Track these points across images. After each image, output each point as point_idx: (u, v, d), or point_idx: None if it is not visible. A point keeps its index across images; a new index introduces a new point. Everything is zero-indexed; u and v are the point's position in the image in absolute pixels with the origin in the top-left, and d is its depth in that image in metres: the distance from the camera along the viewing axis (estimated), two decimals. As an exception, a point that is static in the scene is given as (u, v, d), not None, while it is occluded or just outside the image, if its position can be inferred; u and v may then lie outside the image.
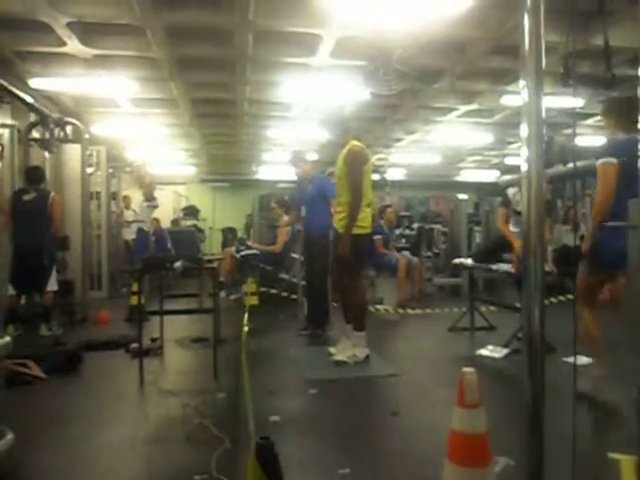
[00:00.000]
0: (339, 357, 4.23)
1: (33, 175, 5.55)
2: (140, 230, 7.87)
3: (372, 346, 4.70)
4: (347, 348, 4.31)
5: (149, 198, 7.38)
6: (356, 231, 4.22)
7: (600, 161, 3.17)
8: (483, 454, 1.80)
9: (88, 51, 5.64)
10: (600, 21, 3.39)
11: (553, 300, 6.36)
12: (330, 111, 4.82)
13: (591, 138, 9.51)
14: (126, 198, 10.09)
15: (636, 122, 2.85)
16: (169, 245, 4.55)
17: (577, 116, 8.00)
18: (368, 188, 4.31)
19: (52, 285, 5.51)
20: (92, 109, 8.11)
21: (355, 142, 4.31)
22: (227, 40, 5.52)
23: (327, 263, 5.02)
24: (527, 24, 1.56)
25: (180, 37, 5.48)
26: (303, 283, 6.18)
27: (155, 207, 7.60)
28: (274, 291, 7.33)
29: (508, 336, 4.49)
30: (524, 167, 1.61)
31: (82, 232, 6.69)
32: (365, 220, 4.29)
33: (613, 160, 3.11)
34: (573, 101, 5.37)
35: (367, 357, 4.26)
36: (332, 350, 4.47)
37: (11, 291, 5.34)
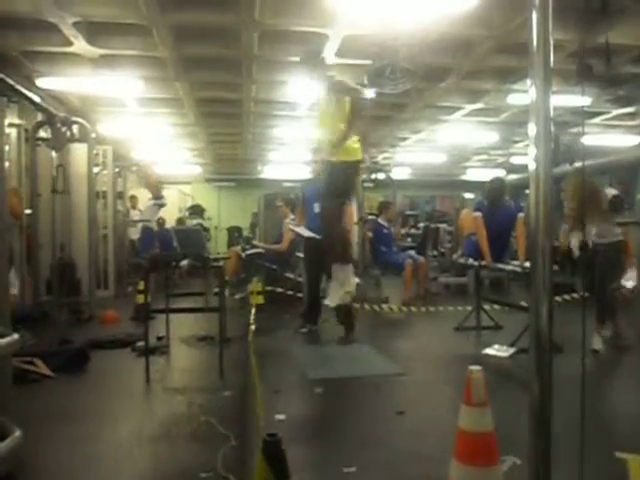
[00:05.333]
0: (334, 303, 4.22)
1: None
2: (146, 228, 7.86)
3: (378, 344, 4.70)
4: (337, 291, 4.31)
5: (156, 196, 7.40)
6: (351, 157, 4.40)
7: None
8: (490, 453, 1.79)
9: (94, 51, 5.65)
10: (604, 19, 3.38)
11: (558, 299, 6.33)
12: (308, 49, 4.95)
13: (598, 137, 9.49)
14: (133, 198, 10.10)
15: None
16: (174, 244, 4.56)
17: (584, 115, 7.96)
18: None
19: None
20: (98, 108, 8.14)
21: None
22: (233, 39, 5.52)
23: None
24: (535, 21, 1.55)
25: (186, 37, 5.48)
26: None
27: (162, 205, 7.61)
28: (279, 290, 7.33)
29: (514, 335, 4.48)
30: (532, 166, 1.61)
31: (89, 231, 6.72)
32: (355, 145, 4.44)
33: None
34: (582, 99, 5.34)
35: (357, 285, 4.27)
36: (327, 302, 4.56)
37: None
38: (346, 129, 4.27)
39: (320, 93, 4.51)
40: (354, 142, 4.46)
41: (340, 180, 4.44)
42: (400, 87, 4.92)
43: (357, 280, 4.30)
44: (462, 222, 7.67)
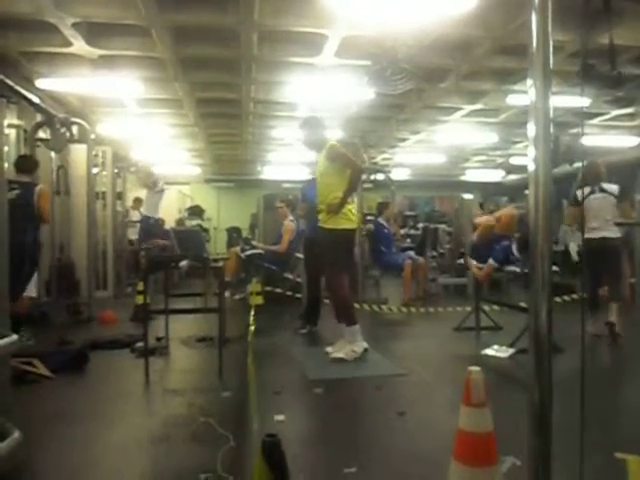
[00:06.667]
0: (337, 355, 4.25)
1: (22, 163, 5.11)
2: (145, 217, 7.83)
3: (377, 345, 4.70)
4: (344, 346, 4.32)
5: (153, 185, 7.40)
6: (343, 225, 4.28)
7: None
8: (489, 453, 1.79)
9: (94, 51, 5.65)
10: (605, 19, 3.38)
11: (558, 300, 6.34)
12: (309, 115, 4.95)
13: (598, 138, 9.50)
14: (137, 200, 10.07)
15: None
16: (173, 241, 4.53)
17: (584, 115, 7.97)
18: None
19: (30, 291, 5.03)
20: (98, 109, 8.14)
21: (332, 142, 4.42)
22: (232, 40, 5.53)
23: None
24: (535, 22, 1.55)
25: (185, 37, 5.48)
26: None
27: (162, 191, 7.57)
28: (279, 291, 7.34)
29: (514, 336, 4.48)
30: (531, 167, 1.61)
31: (88, 232, 6.72)
32: (352, 214, 4.36)
33: None
34: (581, 100, 5.37)
35: (366, 350, 4.29)
36: (329, 349, 4.48)
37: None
38: (343, 198, 4.23)
39: (319, 155, 4.47)
40: (352, 209, 4.42)
41: (340, 249, 4.38)
42: (400, 88, 4.92)
43: (365, 345, 4.33)
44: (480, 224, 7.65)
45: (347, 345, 4.28)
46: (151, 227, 7.31)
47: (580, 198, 5.26)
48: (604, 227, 4.99)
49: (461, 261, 8.29)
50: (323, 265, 4.68)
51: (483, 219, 6.51)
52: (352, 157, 4.35)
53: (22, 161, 5.19)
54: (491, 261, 5.56)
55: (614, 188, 5.17)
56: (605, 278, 5.20)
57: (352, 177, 4.26)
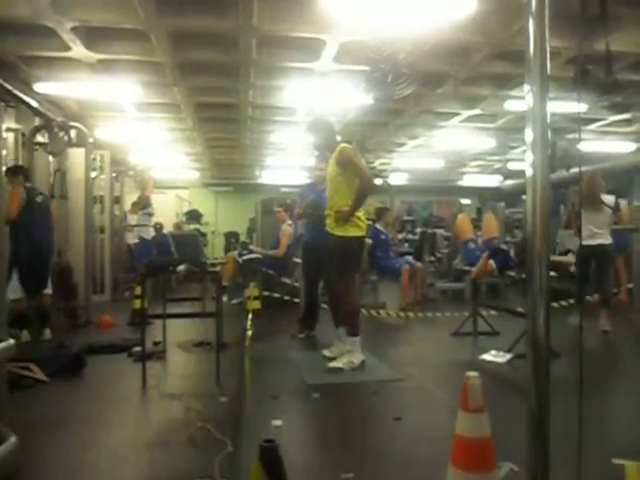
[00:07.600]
0: (335, 364, 4.20)
1: (26, 173, 5.44)
2: (141, 238, 7.94)
3: (374, 350, 4.69)
4: (342, 353, 4.29)
5: (145, 206, 7.52)
6: (352, 233, 4.23)
7: None
8: (487, 459, 1.79)
9: (92, 56, 5.66)
10: (602, 26, 3.40)
11: (555, 305, 6.35)
12: (316, 117, 4.88)
13: (594, 143, 9.53)
14: (135, 204, 10.08)
15: None
16: (172, 249, 4.55)
17: (581, 121, 7.99)
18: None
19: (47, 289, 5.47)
20: (96, 113, 8.14)
21: (344, 144, 4.33)
22: (231, 45, 5.54)
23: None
24: (532, 28, 1.56)
25: (184, 42, 5.49)
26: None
27: (150, 215, 7.69)
28: (276, 295, 7.33)
29: (511, 341, 4.48)
30: (529, 172, 1.61)
31: (85, 236, 6.70)
32: (361, 221, 4.31)
33: None
34: (578, 106, 5.44)
35: (362, 362, 4.24)
36: (326, 353, 4.45)
37: (17, 294, 5.12)
38: (352, 209, 4.16)
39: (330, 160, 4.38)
40: (361, 215, 4.33)
41: (348, 256, 4.29)
42: (399, 93, 4.93)
43: (363, 358, 4.27)
44: (458, 228, 7.89)
45: (346, 354, 4.24)
46: (147, 246, 7.43)
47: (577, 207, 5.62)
48: (601, 235, 5.49)
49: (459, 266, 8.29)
50: (325, 270, 4.64)
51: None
52: (363, 167, 4.27)
53: (20, 170, 5.38)
54: (491, 262, 5.68)
55: (611, 200, 5.61)
56: (597, 279, 5.63)
57: (360, 190, 4.14)
